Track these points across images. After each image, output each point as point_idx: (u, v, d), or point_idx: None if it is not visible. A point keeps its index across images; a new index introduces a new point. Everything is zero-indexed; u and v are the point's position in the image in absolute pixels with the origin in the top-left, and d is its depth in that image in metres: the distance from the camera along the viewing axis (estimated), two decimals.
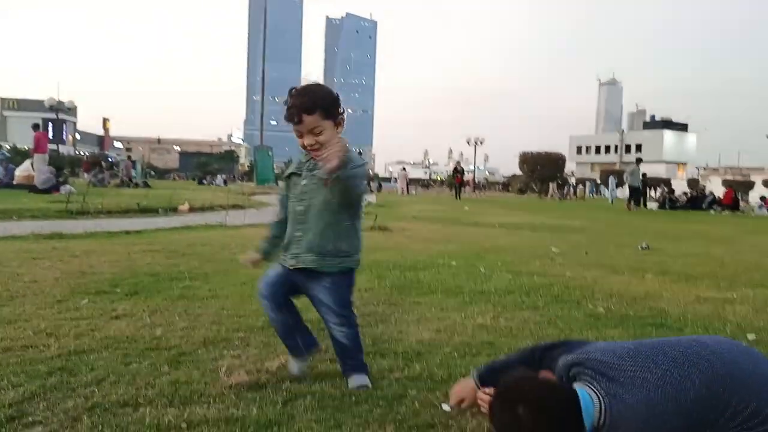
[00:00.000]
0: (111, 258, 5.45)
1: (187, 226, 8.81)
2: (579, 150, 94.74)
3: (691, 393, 1.58)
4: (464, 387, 2.12)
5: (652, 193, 29.46)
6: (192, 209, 12.23)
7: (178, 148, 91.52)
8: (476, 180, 52.00)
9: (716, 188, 30.23)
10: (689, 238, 10.09)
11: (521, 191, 45.41)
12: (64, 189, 15.05)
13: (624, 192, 25.06)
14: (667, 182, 38.79)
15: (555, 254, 7.01)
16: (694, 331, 3.48)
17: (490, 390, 1.84)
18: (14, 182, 17.21)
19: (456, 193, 28.40)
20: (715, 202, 24.43)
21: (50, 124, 45.26)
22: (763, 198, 27.69)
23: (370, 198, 19.15)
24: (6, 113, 79.39)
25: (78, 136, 74.12)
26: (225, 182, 36.33)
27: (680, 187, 32.50)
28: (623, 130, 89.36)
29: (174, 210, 11.82)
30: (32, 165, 17.18)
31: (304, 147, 2.36)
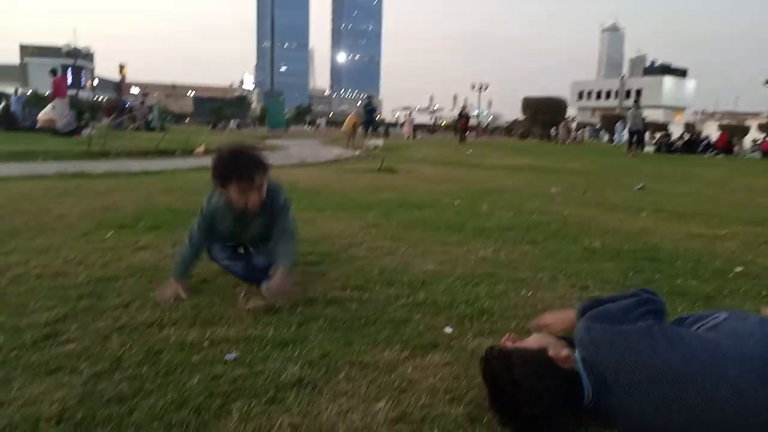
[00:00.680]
0: (132, 195, 5.49)
1: (203, 167, 8.80)
2: (580, 95, 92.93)
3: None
4: (559, 315, 2.03)
5: (650, 137, 28.99)
6: (207, 152, 12.20)
7: (192, 94, 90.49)
8: (483, 124, 51.14)
9: (712, 133, 29.72)
10: (684, 180, 10.02)
11: (523, 136, 44.88)
12: (85, 132, 15.01)
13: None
14: (664, 126, 38.17)
15: (554, 194, 6.99)
16: (684, 265, 3.50)
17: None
18: (37, 126, 17.15)
19: (460, 138, 28.08)
20: (710, 145, 24.11)
21: (69, 70, 44.71)
22: (755, 141, 27.30)
23: (377, 142, 19.01)
24: (27, 60, 78.28)
25: (96, 82, 73.24)
26: (238, 127, 36.05)
27: (677, 131, 31.96)
28: (623, 76, 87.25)
29: (190, 152, 11.81)
30: (53, 109, 17.07)
31: (245, 206, 2.47)
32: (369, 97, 24.37)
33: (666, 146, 24.33)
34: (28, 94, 33.24)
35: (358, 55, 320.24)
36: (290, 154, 12.26)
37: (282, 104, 33.76)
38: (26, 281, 2.70)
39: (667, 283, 3.07)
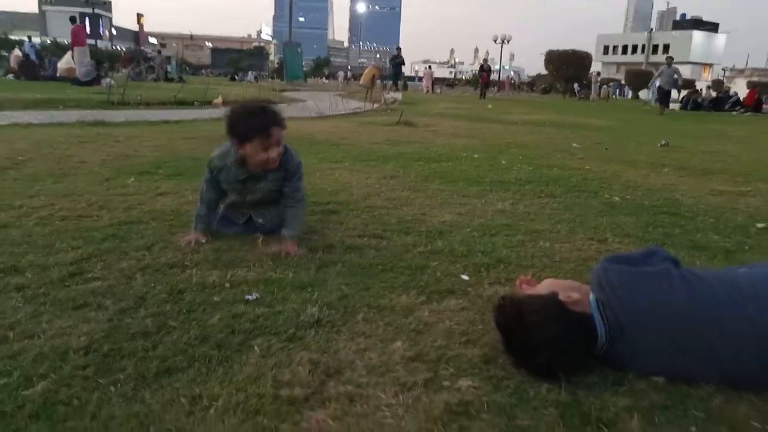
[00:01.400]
0: (152, 143, 5.52)
1: (221, 118, 8.79)
2: (606, 50, 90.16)
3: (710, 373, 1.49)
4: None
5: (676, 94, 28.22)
6: (225, 103, 12.16)
7: (210, 45, 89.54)
8: (512, 80, 49.67)
9: (741, 90, 28.80)
10: (709, 137, 9.80)
11: (545, 91, 43.96)
12: (105, 82, 15.03)
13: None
14: (691, 83, 37.09)
15: (576, 149, 6.89)
16: (705, 220, 3.46)
17: None
18: (57, 74, 17.19)
19: (481, 93, 27.55)
20: (737, 103, 23.42)
21: (87, 19, 44.37)
22: None
23: (396, 95, 18.77)
24: (45, 8, 77.79)
25: (114, 32, 72.70)
26: (256, 79, 35.76)
27: (705, 88, 31.05)
28: (651, 29, 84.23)
29: (208, 103, 11.78)
30: (73, 58, 17.06)
31: (263, 163, 2.44)
32: (398, 49, 23.71)
33: (693, 103, 23.68)
34: (48, 42, 33.17)
35: (377, 6, 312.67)
36: (308, 107, 12.17)
37: (300, 56, 33.27)
38: (51, 223, 2.76)
39: (686, 237, 3.04)
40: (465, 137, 7.86)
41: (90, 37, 24.83)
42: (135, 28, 79.02)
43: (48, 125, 6.82)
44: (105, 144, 5.35)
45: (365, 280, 2.20)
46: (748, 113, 21.42)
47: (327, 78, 54.35)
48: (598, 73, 42.93)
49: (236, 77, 37.75)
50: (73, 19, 17.20)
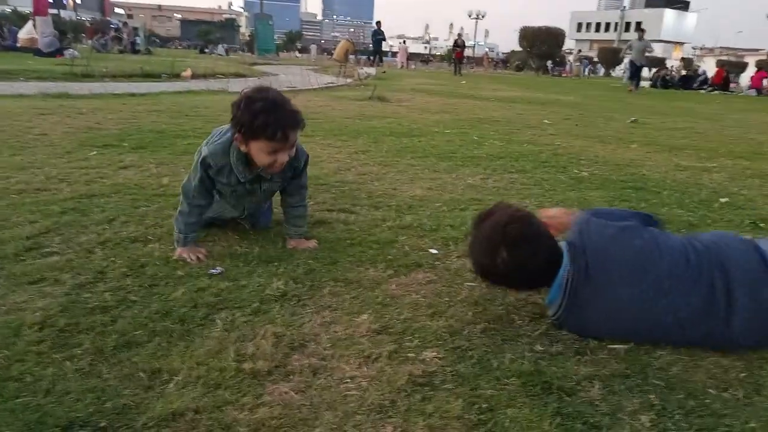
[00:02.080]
0: (117, 116, 5.37)
1: (190, 91, 8.61)
2: (579, 27, 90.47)
3: (665, 323, 1.55)
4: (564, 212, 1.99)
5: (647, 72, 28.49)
6: (194, 76, 11.88)
7: (179, 16, 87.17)
8: (491, 57, 49.33)
9: (710, 69, 29.25)
10: (677, 114, 9.94)
11: (519, 68, 44.03)
12: (68, 53, 14.52)
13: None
14: (662, 61, 37.52)
15: (546, 125, 6.93)
16: (670, 194, 3.52)
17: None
18: (18, 45, 16.55)
19: (455, 69, 27.42)
20: (706, 81, 23.82)
21: None
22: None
23: (369, 70, 18.58)
24: None
25: (78, 1, 70.16)
26: (226, 52, 34.95)
27: (675, 66, 31.46)
28: (624, 7, 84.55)
29: (177, 76, 11.49)
30: (35, 28, 16.42)
31: (270, 166, 2.00)
32: (378, 24, 23.33)
33: (662, 81, 24.00)
34: (8, 11, 31.88)
35: None
36: (280, 81, 11.95)
37: (272, 29, 32.60)
38: (6, 196, 2.66)
39: (652, 211, 3.06)
40: (438, 113, 7.83)
41: (53, 6, 23.90)
42: None
43: (7, 97, 6.56)
44: (67, 116, 5.18)
45: (333, 254, 2.18)
46: (716, 92, 21.80)
47: (299, 52, 53.44)
48: (579, 51, 43.06)
49: (206, 50, 36.81)
50: None
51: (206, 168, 2.07)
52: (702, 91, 21.97)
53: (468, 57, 39.18)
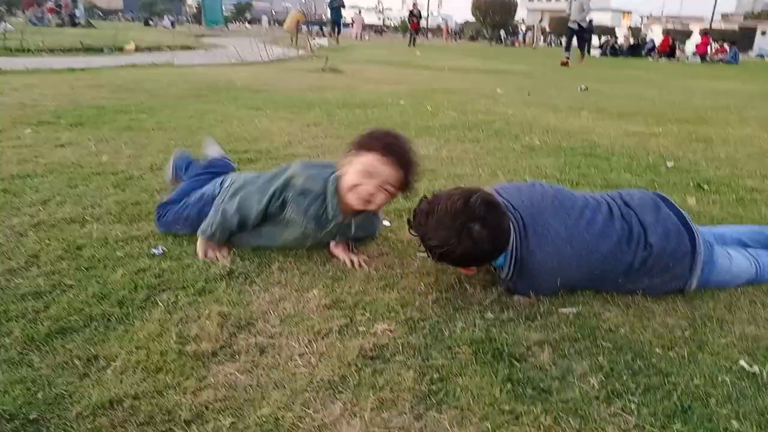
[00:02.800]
0: (54, 92, 5.09)
1: (133, 64, 8.25)
2: None
3: (598, 253, 1.64)
4: None
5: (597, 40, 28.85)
6: (138, 49, 11.41)
7: None
8: (450, 28, 48.78)
9: (657, 37, 29.87)
10: (626, 82, 10.13)
11: (473, 38, 44.01)
12: (1, 26, 13.68)
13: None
14: (611, 30, 38.11)
15: (499, 95, 6.95)
16: (619, 160, 3.57)
17: None
18: None
19: (410, 39, 27.14)
20: (653, 49, 24.34)
21: None
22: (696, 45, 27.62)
23: (321, 41, 18.23)
24: None
25: None
26: (172, 24, 33.65)
27: (623, 35, 31.97)
28: None
29: (120, 49, 11.02)
30: None
31: (365, 199, 1.75)
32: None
33: (611, 50, 24.40)
34: None
35: None
36: (228, 53, 11.59)
37: None
38: None
39: (601, 176, 3.13)
40: (392, 84, 7.74)
41: None
42: None
43: None
44: None
45: None
46: (663, 59, 22.32)
47: (250, 23, 51.89)
48: (540, 21, 43.19)
49: (151, 22, 35.38)
50: None
51: (282, 189, 1.79)
52: (650, 59, 22.46)
53: (423, 28, 38.80)
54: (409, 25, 27.74)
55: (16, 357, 1.28)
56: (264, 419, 1.12)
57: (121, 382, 1.20)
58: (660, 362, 1.38)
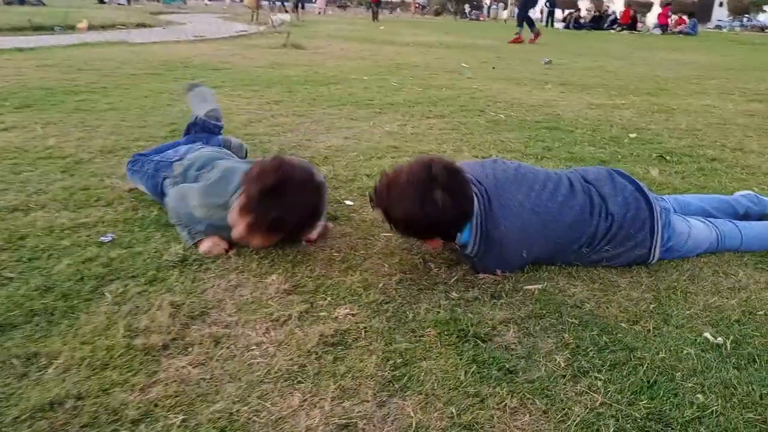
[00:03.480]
0: None
1: (85, 43, 7.90)
2: None
3: (563, 223, 1.63)
4: None
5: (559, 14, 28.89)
6: (91, 27, 10.94)
7: None
8: (417, 2, 48.25)
9: (619, 9, 30.07)
10: (589, 54, 10.17)
11: (437, 13, 43.66)
12: None
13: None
14: (574, 3, 38.23)
15: (464, 69, 6.88)
16: (583, 133, 3.57)
17: None
18: None
19: (373, 14, 26.76)
20: (615, 21, 24.50)
21: None
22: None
23: (284, 17, 17.81)
24: None
25: None
26: (128, 1, 32.44)
27: (586, 8, 32.13)
28: None
29: (71, 28, 10.53)
30: None
31: (242, 239, 1.67)
32: None
33: (575, 23, 24.49)
34: None
35: None
36: (186, 30, 11.23)
37: None
38: None
39: (565, 150, 3.12)
40: (355, 59, 7.60)
41: None
42: None
43: None
44: None
45: None
46: (625, 31, 22.48)
47: None
48: None
49: (105, 0, 34.05)
50: None
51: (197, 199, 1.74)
52: (612, 31, 22.59)
53: (387, 2, 38.30)
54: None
55: None
56: (217, 415, 1.06)
57: (64, 381, 1.13)
58: (626, 337, 1.36)
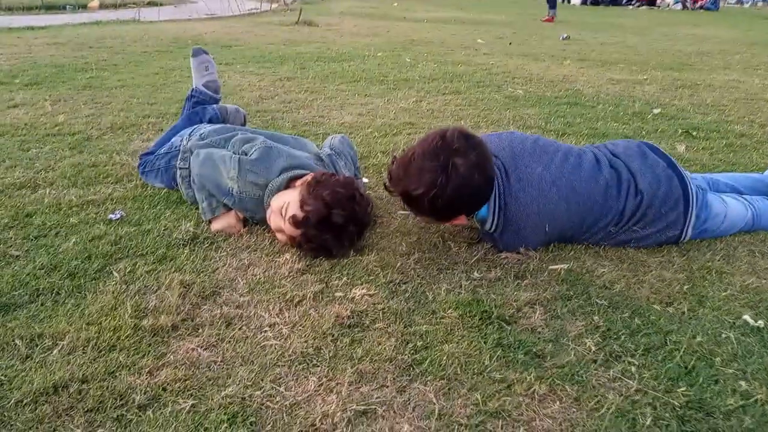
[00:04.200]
0: (9, 51, 4.78)
1: (97, 22, 7.84)
2: None
3: (587, 197, 1.54)
4: None
5: None
6: (103, 6, 10.87)
7: None
8: None
9: None
10: (608, 30, 9.90)
11: None
12: None
13: None
14: None
15: (480, 45, 6.72)
16: (605, 108, 3.45)
17: None
18: None
19: None
20: None
21: None
22: None
23: None
24: None
25: None
26: None
27: None
28: None
29: (83, 7, 10.48)
30: None
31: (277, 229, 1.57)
32: None
33: None
34: None
35: None
36: (198, 8, 11.10)
37: None
38: None
39: (587, 126, 3.01)
40: (369, 36, 7.46)
41: None
42: None
43: None
44: None
45: None
46: (644, 7, 21.96)
47: None
48: None
49: None
50: None
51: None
52: (630, 7, 22.08)
53: None
54: None
55: None
56: (229, 400, 1.01)
57: (69, 363, 1.08)
58: (659, 320, 1.28)
